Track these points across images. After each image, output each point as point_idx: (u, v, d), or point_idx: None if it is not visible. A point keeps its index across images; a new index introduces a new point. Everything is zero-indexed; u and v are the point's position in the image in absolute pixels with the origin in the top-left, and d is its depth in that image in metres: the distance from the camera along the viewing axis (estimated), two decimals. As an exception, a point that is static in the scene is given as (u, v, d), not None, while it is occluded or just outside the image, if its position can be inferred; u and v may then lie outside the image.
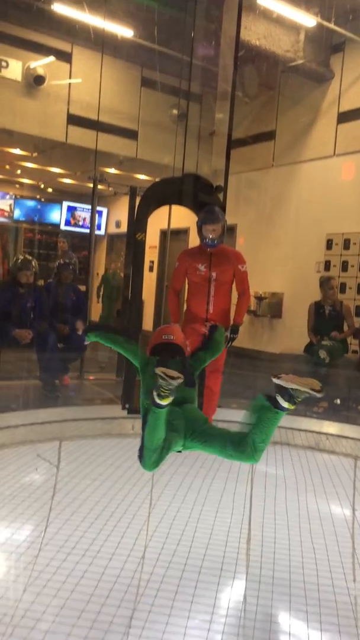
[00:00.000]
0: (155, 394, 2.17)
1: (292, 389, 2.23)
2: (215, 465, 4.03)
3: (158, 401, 2.17)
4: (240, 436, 2.34)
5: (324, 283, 6.09)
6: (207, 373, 4.24)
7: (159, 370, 2.14)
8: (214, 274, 4.18)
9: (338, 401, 5.52)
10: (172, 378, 2.12)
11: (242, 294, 4.35)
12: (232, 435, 2.39)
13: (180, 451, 2.53)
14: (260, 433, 2.31)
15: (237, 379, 6.24)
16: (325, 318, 6.01)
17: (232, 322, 4.31)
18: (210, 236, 4.05)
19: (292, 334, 7.80)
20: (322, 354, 5.61)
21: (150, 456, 2.30)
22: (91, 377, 6.21)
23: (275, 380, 2.28)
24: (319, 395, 2.25)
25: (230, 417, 4.85)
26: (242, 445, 2.32)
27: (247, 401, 5.29)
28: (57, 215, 10.48)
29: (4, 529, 2.82)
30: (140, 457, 2.37)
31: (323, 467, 4.25)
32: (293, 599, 2.42)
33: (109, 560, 2.59)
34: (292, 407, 2.28)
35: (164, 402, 2.18)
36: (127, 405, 4.74)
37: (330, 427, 4.87)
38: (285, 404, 2.26)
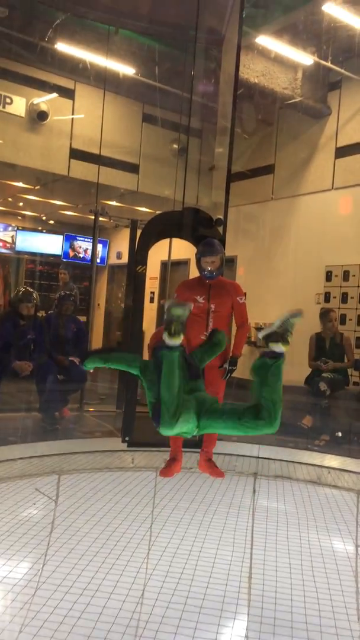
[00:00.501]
0: (165, 334, 2.19)
1: (277, 327, 2.30)
2: (217, 499, 3.99)
3: (169, 341, 2.19)
4: (254, 404, 2.33)
5: (324, 315, 6.12)
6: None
7: (168, 302, 2.19)
8: (212, 306, 4.20)
9: (339, 434, 5.48)
10: (185, 307, 2.17)
11: (241, 325, 4.36)
12: (245, 407, 2.37)
13: (195, 436, 2.49)
14: (269, 393, 2.30)
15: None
16: (326, 350, 6.01)
17: (231, 353, 4.31)
18: (209, 268, 4.08)
19: (292, 365, 7.78)
20: (323, 386, 5.59)
21: (169, 409, 2.24)
22: (91, 409, 6.18)
23: (260, 334, 2.36)
24: (299, 314, 2.33)
25: (231, 450, 4.83)
26: (257, 411, 2.30)
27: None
28: (57, 246, 10.58)
29: (1, 567, 2.77)
30: (157, 420, 2.32)
31: (325, 501, 4.19)
32: (295, 641, 2.37)
33: (107, 600, 2.54)
34: (287, 347, 2.31)
35: (175, 341, 2.19)
36: (127, 438, 4.70)
37: (332, 460, 4.82)
38: (279, 346, 2.30)
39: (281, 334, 2.30)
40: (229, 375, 4.19)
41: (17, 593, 2.53)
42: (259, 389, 2.33)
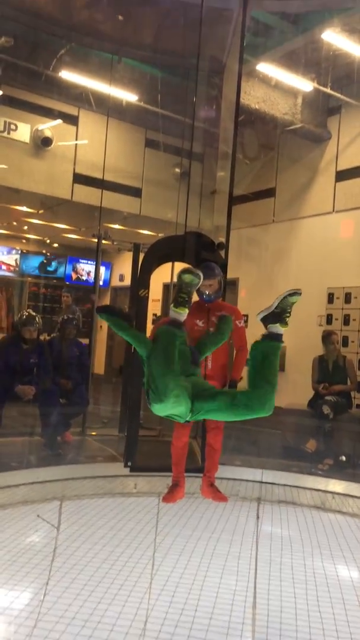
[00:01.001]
0: (172, 306, 2.20)
1: (275, 308, 2.32)
2: (220, 525, 3.95)
3: (174, 314, 2.20)
4: (248, 389, 2.29)
5: (326, 338, 6.12)
6: (208, 429, 4.20)
7: (183, 269, 2.18)
8: (212, 330, 4.22)
9: (343, 458, 5.44)
10: (197, 272, 2.18)
11: (240, 349, 4.36)
12: (239, 391, 2.35)
13: (188, 421, 2.44)
14: (265, 375, 2.26)
15: (240, 434, 6.17)
16: (329, 372, 6.00)
17: (230, 377, 4.31)
18: (207, 292, 4.10)
19: (295, 388, 7.77)
20: (326, 409, 5.57)
21: (159, 385, 2.14)
22: (93, 433, 6.15)
23: (258, 317, 2.38)
24: (298, 293, 2.32)
25: (234, 475, 4.80)
26: (251, 391, 2.26)
27: (251, 457, 5.25)
28: (61, 269, 10.66)
29: (2, 597, 2.74)
30: (148, 397, 2.24)
31: (329, 527, 4.15)
32: (301, 675, 2.33)
33: (110, 632, 2.51)
34: (285, 327, 2.31)
35: (181, 313, 2.19)
36: (129, 463, 4.67)
37: (337, 485, 4.78)
38: (277, 327, 2.31)
39: (279, 314, 2.29)
40: None
41: (18, 625, 2.50)
42: (253, 374, 2.30)
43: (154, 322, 10.11)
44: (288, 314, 2.30)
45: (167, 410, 2.31)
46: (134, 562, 3.22)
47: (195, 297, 4.56)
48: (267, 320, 2.34)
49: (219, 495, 3.96)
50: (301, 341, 7.92)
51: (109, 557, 3.28)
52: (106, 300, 12.04)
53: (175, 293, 2.20)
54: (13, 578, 2.94)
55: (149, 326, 5.84)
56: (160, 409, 2.26)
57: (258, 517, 4.16)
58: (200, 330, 4.26)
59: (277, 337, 2.31)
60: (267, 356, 2.29)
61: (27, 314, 5.61)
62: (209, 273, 4.11)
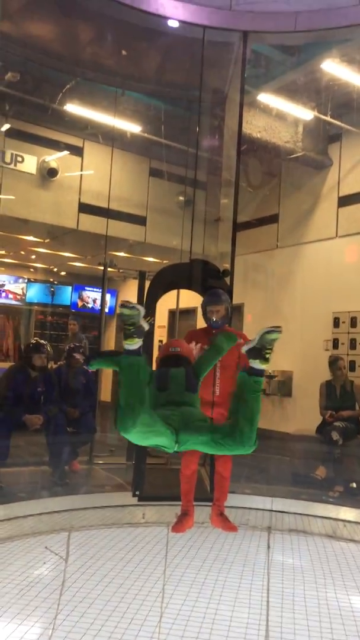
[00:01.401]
0: (123, 337, 2.19)
1: (256, 343, 2.27)
2: (230, 556, 3.90)
3: (125, 344, 2.18)
4: (230, 424, 2.29)
5: (333, 364, 6.11)
6: (217, 457, 4.17)
7: (122, 302, 2.20)
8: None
9: (354, 485, 5.37)
10: (133, 305, 2.17)
11: None
12: (221, 425, 2.35)
13: (176, 452, 2.43)
14: (246, 412, 2.25)
15: (249, 461, 6.12)
16: (336, 398, 5.97)
17: None
18: (214, 318, 4.13)
19: (303, 413, 7.72)
20: (335, 435, 5.52)
21: (124, 410, 2.15)
22: (100, 462, 6.12)
23: (243, 349, 2.34)
24: (278, 330, 2.27)
25: (243, 504, 4.74)
26: (230, 429, 2.26)
27: (260, 485, 5.19)
28: (67, 297, 10.74)
29: (12, 633, 2.70)
30: (116, 420, 2.23)
31: (341, 556, 4.09)
32: None
33: (121, 669, 2.46)
34: (266, 364, 2.27)
35: (131, 344, 2.18)
36: (137, 493, 4.64)
37: (348, 513, 4.71)
38: (257, 363, 2.27)
39: (259, 350, 2.27)
40: None
41: (28, 661, 2.46)
42: (235, 407, 2.29)
43: (159, 348, 10.13)
44: (268, 351, 2.28)
45: (140, 441, 2.31)
46: (144, 595, 3.17)
47: (202, 324, 4.60)
48: (249, 354, 2.33)
49: (229, 524, 3.92)
50: (308, 366, 7.92)
51: (119, 589, 3.23)
52: (112, 328, 12.08)
53: (123, 327, 2.23)
54: (22, 612, 2.90)
55: (155, 353, 5.87)
56: (124, 433, 2.24)
57: (269, 547, 4.10)
58: None
59: (257, 372, 2.29)
60: (247, 392, 2.30)
61: (35, 341, 5.64)
62: (215, 299, 4.15)
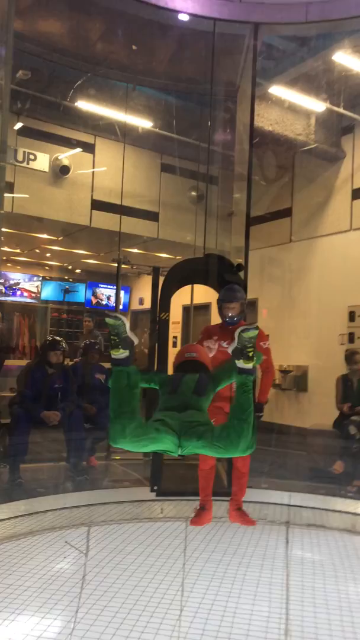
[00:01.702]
0: (110, 348, 2.27)
1: (237, 342, 2.31)
2: (249, 550, 3.90)
3: (112, 354, 2.27)
4: (227, 426, 2.32)
5: (349, 357, 6.07)
6: None
7: (106, 313, 2.29)
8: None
9: (372, 478, 5.34)
10: (115, 315, 2.26)
11: (266, 370, 4.34)
12: (220, 428, 2.35)
13: (182, 456, 2.45)
14: (239, 414, 2.28)
15: (266, 456, 6.11)
16: (353, 391, 5.93)
17: (256, 400, 4.28)
18: (230, 314, 4.11)
19: (319, 408, 7.69)
20: (352, 429, 5.49)
21: (115, 423, 2.23)
22: (118, 457, 6.14)
23: (229, 350, 2.40)
24: (254, 327, 2.30)
25: (261, 499, 4.74)
26: (227, 432, 2.28)
27: (278, 480, 5.18)
28: (81, 295, 10.79)
29: (34, 626, 2.73)
30: (109, 433, 2.31)
31: (361, 550, 4.07)
32: None
33: (143, 662, 2.48)
34: (250, 362, 2.31)
35: (116, 354, 2.27)
36: (155, 487, 4.65)
37: (366, 507, 4.69)
38: (242, 363, 2.31)
39: (241, 350, 2.28)
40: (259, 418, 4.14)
41: (51, 655, 2.49)
42: (232, 410, 2.33)
43: (174, 344, 10.13)
44: (250, 350, 2.30)
45: (135, 449, 2.35)
46: (165, 589, 3.18)
47: (217, 319, 4.59)
48: (234, 355, 2.36)
49: (247, 519, 3.92)
50: (323, 361, 7.87)
51: (139, 583, 3.25)
52: (126, 324, 12.12)
53: (109, 337, 2.29)
54: (44, 606, 2.93)
55: (171, 349, 5.87)
56: (129, 448, 2.31)
57: (287, 542, 4.10)
58: (224, 352, 4.26)
59: (244, 372, 2.32)
60: (237, 392, 2.33)
61: (51, 338, 5.67)
62: (231, 296, 4.12)
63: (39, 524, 4.16)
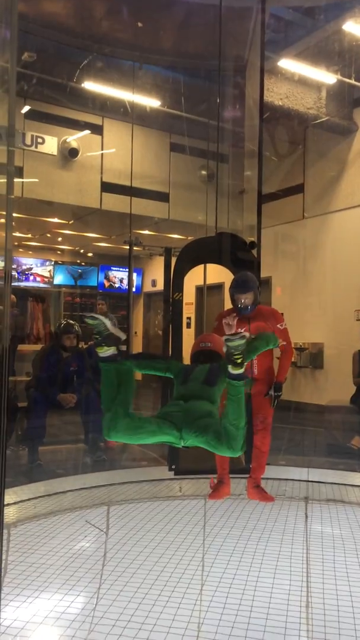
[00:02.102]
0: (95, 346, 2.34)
1: (225, 347, 2.35)
2: (269, 525, 3.91)
3: (98, 352, 2.35)
4: (219, 427, 2.35)
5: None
6: (255, 431, 4.16)
7: (86, 315, 2.36)
8: (254, 337, 4.19)
9: (390, 453, 5.32)
10: (94, 317, 2.32)
11: (285, 350, 4.30)
12: (216, 426, 2.38)
13: (186, 447, 2.48)
14: (231, 416, 2.33)
15: (282, 434, 6.11)
16: (370, 366, 5.90)
17: (275, 379, 4.24)
18: (243, 304, 4.03)
19: (335, 384, 7.65)
20: (370, 404, 5.46)
21: (106, 418, 2.29)
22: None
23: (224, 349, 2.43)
24: (239, 336, 2.33)
25: (280, 475, 4.75)
26: (218, 432, 2.32)
27: (295, 457, 5.18)
28: (94, 277, 10.80)
29: (58, 602, 2.76)
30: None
31: (381, 524, 4.06)
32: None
33: (167, 635, 2.50)
34: (238, 369, 2.35)
35: (100, 352, 2.34)
36: (173, 466, 4.67)
37: (385, 481, 4.68)
38: (230, 368, 2.36)
39: (227, 356, 2.33)
40: (276, 402, 4.12)
41: (75, 629, 2.52)
42: (225, 412, 2.35)
43: (188, 325, 10.12)
44: (237, 356, 2.33)
45: (133, 441, 2.42)
46: (185, 564, 3.20)
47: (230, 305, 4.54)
48: (225, 358, 2.40)
49: (265, 495, 3.93)
50: (339, 337, 7.81)
51: (160, 559, 3.28)
52: (140, 307, 12.12)
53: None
54: (67, 583, 2.96)
55: (184, 330, 5.86)
56: (126, 441, 2.39)
57: (307, 517, 4.10)
58: None
59: (234, 377, 2.35)
60: (231, 396, 2.36)
61: (65, 322, 5.69)
62: (243, 288, 4.02)
63: (59, 504, 4.21)
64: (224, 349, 2.39)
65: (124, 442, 2.42)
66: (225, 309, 4.67)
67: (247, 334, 2.44)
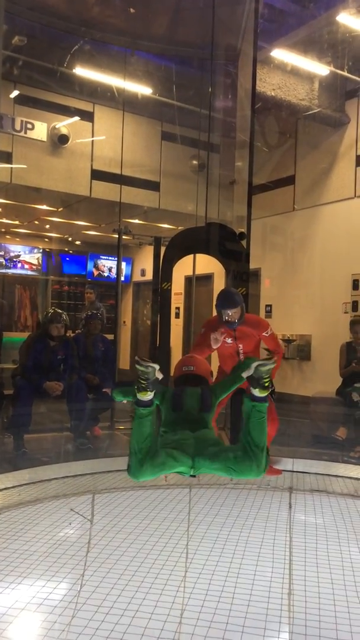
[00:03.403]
0: (135, 388, 2.25)
1: (253, 373, 2.31)
2: (252, 514, 3.93)
3: (138, 396, 2.25)
4: (241, 448, 2.33)
5: (353, 325, 6.04)
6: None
7: (136, 359, 2.24)
8: (240, 346, 4.23)
9: (375, 444, 5.37)
10: (147, 364, 2.22)
11: (275, 353, 4.32)
12: (233, 450, 2.37)
13: (193, 475, 2.47)
14: (253, 437, 2.29)
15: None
16: (357, 358, 5.92)
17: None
18: (229, 319, 4.04)
19: (322, 376, 7.69)
20: (355, 396, 5.51)
21: (133, 458, 2.25)
22: (122, 427, 6.18)
23: (243, 374, 2.41)
24: (271, 361, 2.33)
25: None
26: (241, 455, 2.30)
27: (281, 448, 5.21)
28: (82, 266, 10.74)
29: (41, 589, 2.77)
30: (129, 467, 2.32)
31: (364, 514, 4.10)
32: (343, 660, 2.30)
33: (148, 621, 2.51)
34: (265, 392, 2.32)
35: (143, 397, 2.25)
36: (159, 455, 4.68)
37: (369, 472, 4.72)
38: (257, 392, 2.31)
39: (256, 380, 2.31)
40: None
41: (57, 615, 2.52)
42: (244, 433, 2.32)
43: (177, 315, 10.11)
44: (266, 380, 2.31)
45: (153, 477, 2.36)
46: (169, 551, 3.22)
47: (219, 288, 4.54)
48: (249, 381, 2.36)
49: (272, 469, 4.01)
50: (327, 329, 7.85)
51: (144, 546, 3.29)
52: (129, 296, 12.08)
53: (135, 380, 2.27)
54: (50, 569, 2.97)
55: (173, 320, 5.86)
56: (135, 477, 2.32)
57: (291, 506, 4.13)
58: (228, 348, 4.23)
59: (258, 399, 2.32)
60: (250, 417, 2.32)
61: (52, 311, 5.66)
62: (229, 304, 4.01)
63: (44, 491, 4.20)
64: (253, 373, 2.34)
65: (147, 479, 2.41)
66: (214, 301, 4.66)
67: (275, 359, 2.41)
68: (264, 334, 4.19)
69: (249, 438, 2.29)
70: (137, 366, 2.23)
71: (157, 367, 2.27)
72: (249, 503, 4.14)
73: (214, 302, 4.20)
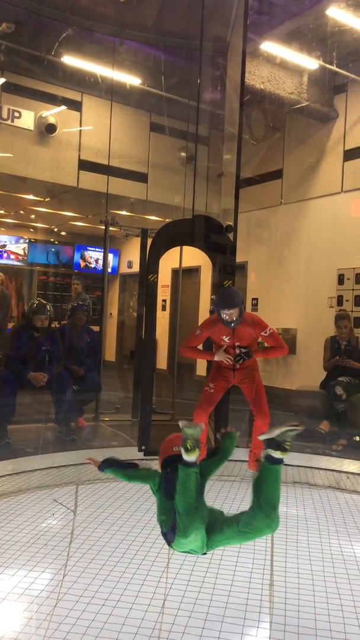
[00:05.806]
0: (182, 450, 2.18)
1: (276, 436, 2.28)
2: (235, 505, 3.96)
3: (186, 457, 2.18)
4: (250, 510, 2.31)
5: (338, 320, 6.09)
6: (255, 412, 4.37)
7: (182, 424, 2.18)
8: (237, 343, 4.27)
9: (357, 438, 5.43)
10: (196, 426, 2.17)
11: (279, 347, 4.36)
12: (243, 514, 2.34)
13: (205, 553, 2.45)
14: (268, 496, 2.27)
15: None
16: (341, 353, 5.97)
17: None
18: (228, 319, 4.08)
19: (306, 370, 7.75)
20: (339, 390, 5.55)
21: (183, 522, 2.18)
22: (106, 419, 6.18)
23: (260, 437, 2.36)
24: (299, 428, 2.30)
25: (247, 457, 4.80)
26: (255, 517, 2.28)
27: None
28: (69, 257, 10.68)
29: (22, 579, 2.77)
30: (171, 539, 2.29)
31: (345, 507, 4.15)
32: (320, 649, 2.34)
33: (129, 610, 2.53)
34: (285, 455, 2.29)
35: (191, 457, 2.18)
36: (143, 447, 4.70)
37: (351, 465, 4.78)
38: (277, 454, 2.28)
39: (279, 443, 2.29)
40: (240, 360, 4.23)
41: (39, 605, 2.53)
42: (257, 493, 2.30)
43: (163, 308, 10.11)
44: (288, 444, 2.30)
45: (187, 546, 2.34)
46: (151, 542, 3.23)
47: (206, 282, 4.55)
48: (268, 444, 2.32)
49: (255, 464, 4.05)
50: (312, 323, 7.90)
51: (127, 537, 3.30)
52: (115, 288, 12.05)
53: (182, 441, 2.21)
54: (32, 559, 2.97)
55: (159, 313, 5.86)
56: (182, 545, 2.31)
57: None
58: (225, 345, 4.25)
59: (276, 461, 2.31)
60: (267, 478, 2.30)
61: (37, 302, 5.63)
62: (227, 305, 4.05)
63: (27, 482, 4.20)
64: (276, 436, 2.29)
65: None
66: (205, 301, 4.69)
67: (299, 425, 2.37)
68: (262, 333, 4.23)
69: (268, 498, 2.26)
70: (186, 429, 2.17)
71: (203, 426, 2.24)
72: (231, 494, 4.18)
73: (200, 295, 4.23)
